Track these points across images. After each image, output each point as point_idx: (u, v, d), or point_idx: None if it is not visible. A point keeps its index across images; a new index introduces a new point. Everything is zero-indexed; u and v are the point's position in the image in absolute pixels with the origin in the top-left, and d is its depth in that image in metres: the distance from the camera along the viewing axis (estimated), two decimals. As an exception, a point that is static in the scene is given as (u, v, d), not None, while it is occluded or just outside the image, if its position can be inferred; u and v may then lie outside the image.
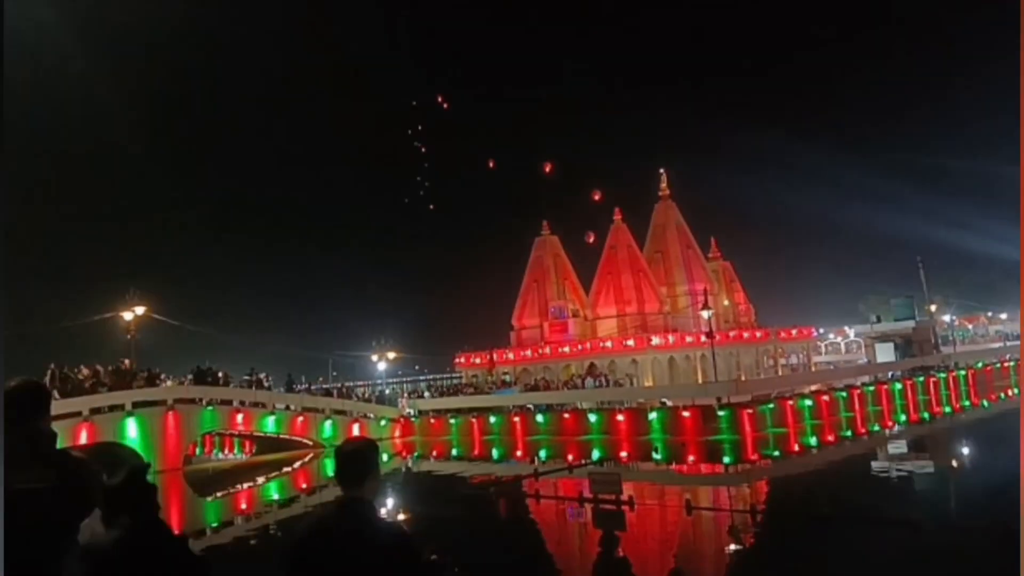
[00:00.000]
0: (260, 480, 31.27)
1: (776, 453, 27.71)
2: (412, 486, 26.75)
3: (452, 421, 39.33)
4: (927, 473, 21.97)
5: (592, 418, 34.43)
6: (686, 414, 31.49)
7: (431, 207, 78.33)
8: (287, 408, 37.53)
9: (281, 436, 37.24)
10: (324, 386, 46.30)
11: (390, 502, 22.62)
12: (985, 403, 39.57)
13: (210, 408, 34.94)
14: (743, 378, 42.14)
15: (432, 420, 40.63)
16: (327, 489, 26.66)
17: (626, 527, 15.77)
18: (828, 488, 19.62)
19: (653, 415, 32.54)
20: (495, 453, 33.13)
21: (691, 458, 28.03)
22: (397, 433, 40.38)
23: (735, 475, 23.98)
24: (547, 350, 47.07)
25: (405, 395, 47.36)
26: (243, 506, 26.11)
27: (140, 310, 36.65)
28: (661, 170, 54.23)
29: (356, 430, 38.41)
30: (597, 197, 55.53)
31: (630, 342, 44.00)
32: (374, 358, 51.00)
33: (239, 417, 35.82)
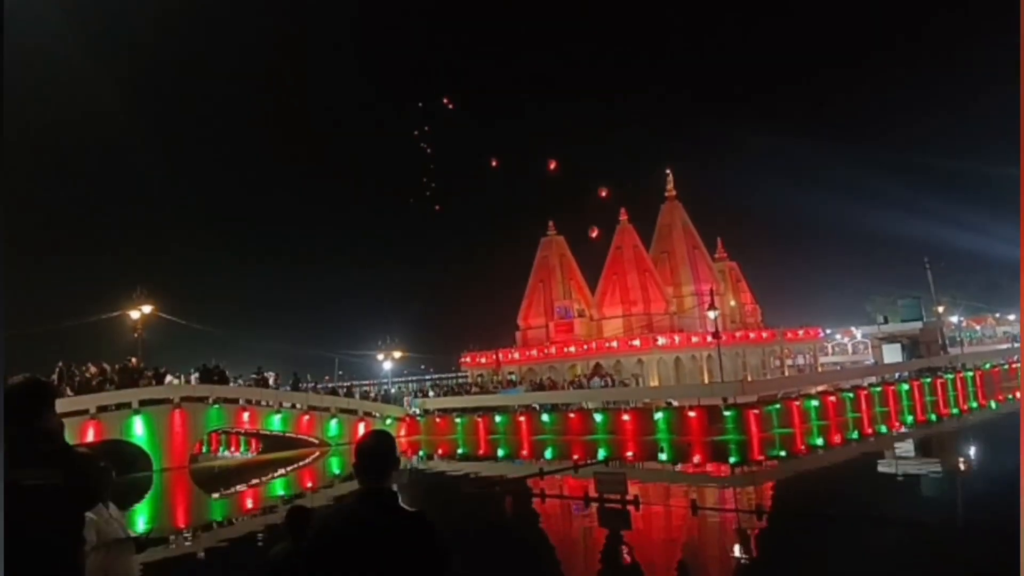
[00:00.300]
0: (266, 478, 31.35)
1: (782, 454, 27.64)
2: (417, 485, 26.75)
3: (457, 420, 39.35)
4: (934, 474, 21.88)
5: (598, 418, 34.39)
6: (692, 414, 31.44)
7: (437, 207, 78.37)
8: (293, 407, 37.62)
9: (287, 435, 37.35)
10: (329, 385, 46.30)
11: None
12: (992, 404, 39.40)
13: (216, 406, 35.05)
14: (749, 378, 42.04)
15: (437, 419, 40.66)
16: (332, 487, 26.75)
17: (631, 527, 15.75)
18: (834, 489, 19.56)
19: (659, 415, 32.50)
20: (500, 452, 33.14)
21: (697, 458, 27.96)
22: (402, 432, 40.40)
23: (741, 476, 23.93)
24: (553, 350, 47.07)
25: (410, 394, 47.38)
26: (249, 504, 26.17)
27: (147, 309, 36.82)
28: (667, 170, 54.23)
29: (362, 429, 38.50)
30: (603, 195, 55.55)
31: (636, 342, 43.96)
32: (380, 357, 51.07)
33: (245, 415, 35.93)
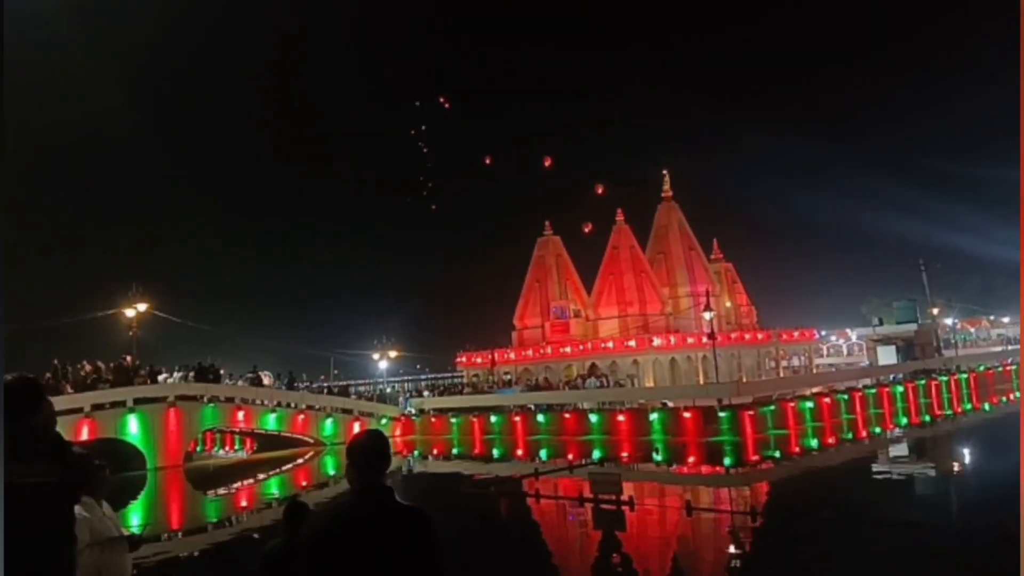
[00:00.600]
0: (261, 477, 31.29)
1: (777, 455, 27.67)
2: (412, 485, 26.74)
3: (453, 420, 39.34)
4: (928, 475, 21.94)
5: (593, 418, 34.42)
6: (687, 415, 31.47)
7: (434, 207, 78.39)
8: (288, 406, 37.57)
9: (282, 434, 37.29)
10: (325, 385, 46.29)
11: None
12: (987, 406, 39.52)
13: (211, 405, 34.98)
14: (744, 379, 42.12)
15: (433, 419, 40.65)
16: (328, 487, 26.72)
17: (626, 527, 15.76)
18: (829, 490, 19.59)
19: (654, 416, 32.53)
20: (496, 452, 33.14)
21: (692, 459, 28.01)
22: (398, 432, 40.37)
23: (736, 476, 23.96)
24: (548, 350, 47.09)
25: (405, 394, 47.36)
26: (244, 503, 26.12)
27: (142, 307, 36.73)
28: (664, 171, 54.29)
29: (357, 429, 38.47)
30: (600, 191, 55.68)
31: (632, 343, 44.00)
32: (376, 356, 51.04)
33: (240, 414, 35.87)
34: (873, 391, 37.60)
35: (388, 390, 50.81)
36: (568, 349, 46.12)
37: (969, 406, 40.09)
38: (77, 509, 3.50)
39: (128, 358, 35.50)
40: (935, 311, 54.73)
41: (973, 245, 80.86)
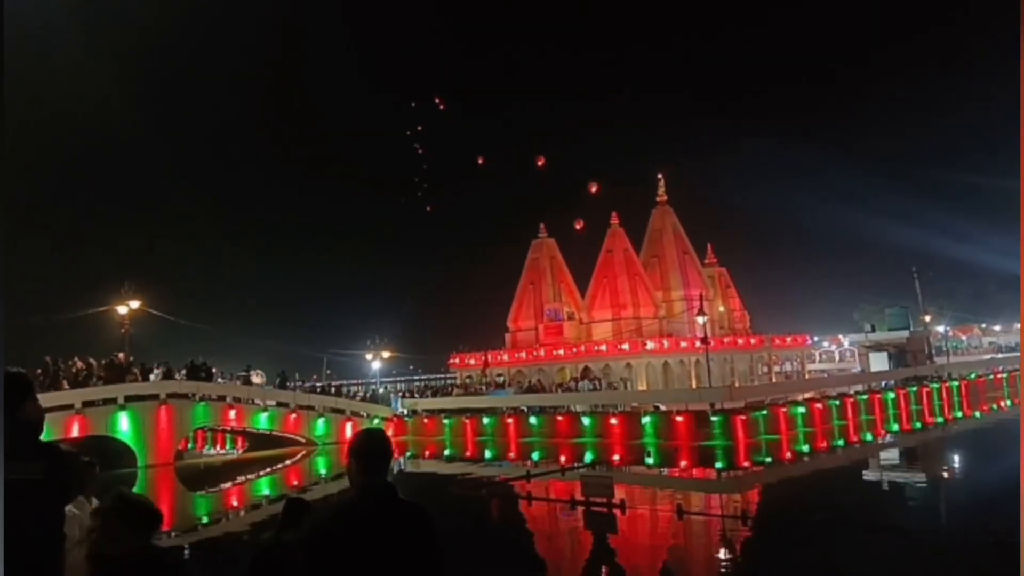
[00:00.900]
0: (252, 476, 31.21)
1: (768, 460, 27.74)
2: (403, 486, 26.64)
3: (445, 421, 39.29)
4: (918, 482, 22.02)
5: (585, 421, 34.41)
6: (679, 419, 31.50)
7: (428, 208, 78.35)
8: (280, 405, 37.47)
9: (274, 433, 37.19)
10: (318, 385, 46.16)
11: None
12: (977, 414, 39.67)
13: (203, 403, 34.86)
14: (737, 384, 42.16)
15: (425, 420, 40.58)
16: (319, 486, 26.66)
17: (617, 530, 15.77)
18: (819, 495, 19.65)
19: (646, 419, 32.54)
20: (488, 454, 33.11)
21: (683, 463, 28.04)
22: (390, 432, 40.21)
23: (727, 481, 24.01)
24: (542, 352, 47.09)
25: (398, 394, 47.29)
26: (234, 501, 26.04)
27: (135, 304, 36.59)
28: (659, 175, 54.38)
29: (349, 429, 38.40)
30: (593, 190, 55.80)
31: (625, 346, 44.03)
32: (368, 357, 50.97)
33: (232, 413, 35.76)
34: (865, 397, 37.70)
35: (381, 390, 50.72)
36: (561, 351, 46.13)
37: (960, 413, 40.25)
38: (67, 507, 3.49)
39: (121, 355, 35.36)
40: (927, 318, 54.99)
41: (966, 253, 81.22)
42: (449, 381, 53.95)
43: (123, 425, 31.94)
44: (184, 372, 35.88)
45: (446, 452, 35.28)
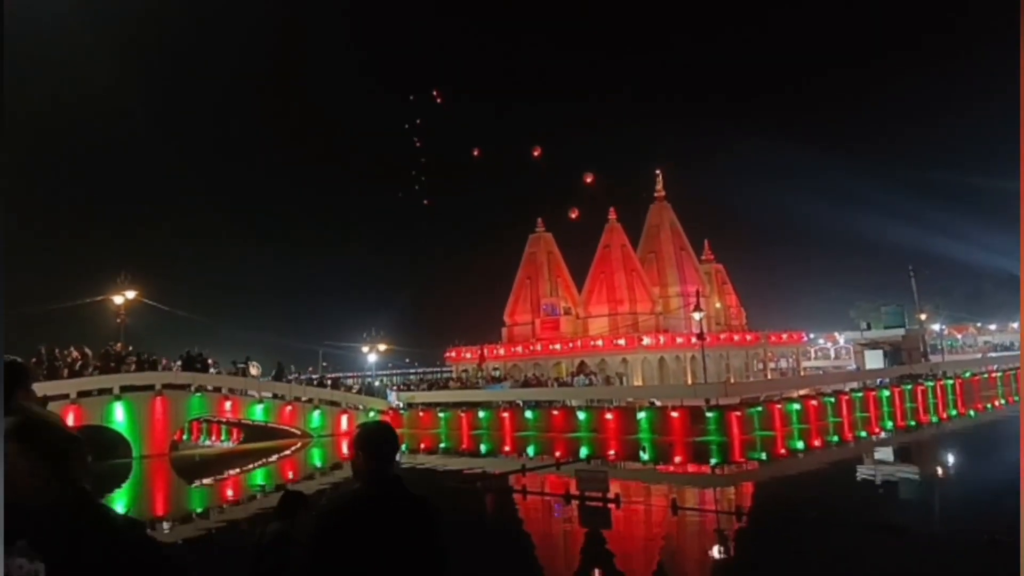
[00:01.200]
0: (247, 467, 31.21)
1: (763, 456, 27.81)
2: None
3: (441, 415, 39.34)
4: (912, 480, 22.10)
5: (581, 416, 34.48)
6: (675, 414, 31.56)
7: (426, 201, 78.25)
8: (276, 397, 37.46)
9: (269, 424, 37.19)
10: (314, 377, 46.11)
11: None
12: (972, 413, 39.81)
13: (198, 394, 34.83)
14: (732, 380, 42.25)
15: (421, 413, 40.63)
16: (314, 479, 26.67)
17: (611, 525, 15.80)
18: (813, 492, 19.69)
19: (642, 415, 32.60)
20: (483, 448, 33.16)
21: (678, 458, 28.11)
22: (385, 425, 40.25)
23: (721, 477, 24.06)
24: (538, 347, 47.15)
25: (393, 387, 47.28)
26: (229, 493, 26.04)
27: (131, 294, 36.51)
28: (657, 171, 54.37)
29: (345, 421, 38.43)
30: (589, 180, 55.80)
31: (621, 341, 44.09)
32: (364, 350, 50.93)
33: (227, 404, 35.72)
34: (859, 395, 37.81)
35: (377, 383, 50.69)
36: (558, 346, 46.18)
37: (955, 412, 40.39)
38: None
39: (119, 345, 35.30)
40: (923, 316, 55.08)
41: (962, 252, 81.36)
42: (445, 375, 53.97)
43: (118, 415, 31.92)
44: (179, 363, 35.86)
45: (441, 445, 35.33)
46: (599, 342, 44.98)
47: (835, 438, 31.60)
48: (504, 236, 60.99)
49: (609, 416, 33.52)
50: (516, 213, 60.61)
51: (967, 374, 47.54)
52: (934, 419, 38.08)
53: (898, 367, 45.96)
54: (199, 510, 22.13)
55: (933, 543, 13.11)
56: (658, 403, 33.86)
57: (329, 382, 43.18)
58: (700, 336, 36.00)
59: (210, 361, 37.06)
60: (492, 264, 64.04)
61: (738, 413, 30.86)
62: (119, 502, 21.75)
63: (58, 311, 36.86)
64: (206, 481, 28.43)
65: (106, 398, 31.72)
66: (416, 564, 3.04)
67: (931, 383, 42.20)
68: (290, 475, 29.78)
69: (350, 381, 50.03)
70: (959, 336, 73.23)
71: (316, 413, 38.10)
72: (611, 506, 16.75)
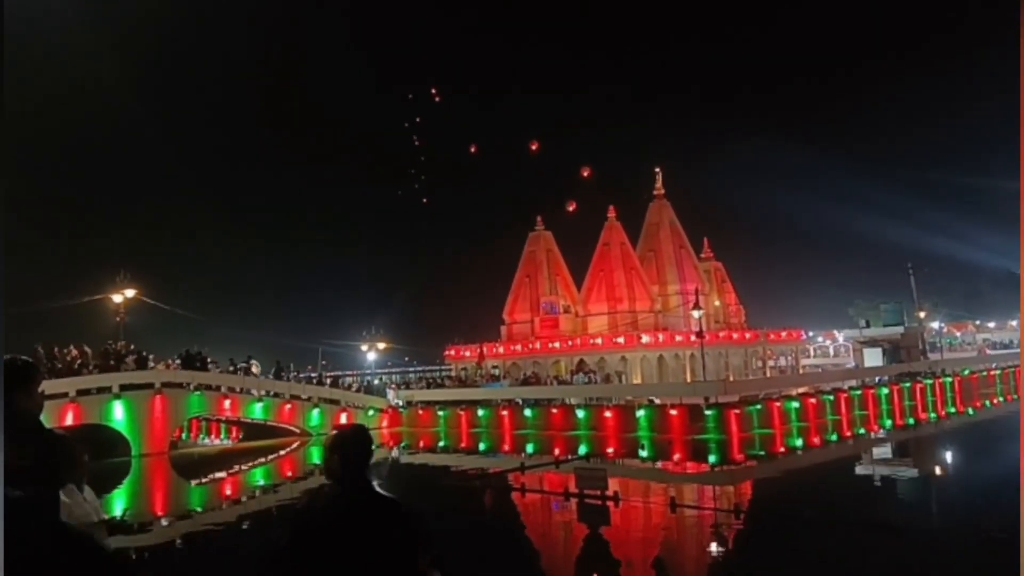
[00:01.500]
0: (247, 466, 31.21)
1: (762, 454, 27.83)
2: (398, 477, 26.76)
3: (440, 413, 39.35)
4: (910, 478, 22.11)
5: (580, 414, 34.49)
6: (674, 412, 31.57)
7: (425, 200, 78.21)
8: (275, 395, 37.46)
9: (268, 423, 37.19)
10: (313, 375, 46.12)
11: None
12: (970, 411, 39.83)
13: (198, 393, 34.83)
14: (731, 378, 42.29)
15: (420, 411, 40.64)
16: (313, 476, 26.66)
17: (611, 522, 15.82)
18: (812, 490, 19.72)
19: (641, 413, 32.62)
20: (482, 446, 33.18)
21: (677, 456, 28.12)
22: (384, 423, 40.35)
23: (720, 475, 24.08)
24: (537, 345, 47.15)
25: (393, 385, 47.28)
26: (228, 491, 26.05)
27: (130, 293, 36.50)
28: (656, 169, 54.36)
29: (344, 419, 38.41)
30: (586, 174, 55.84)
31: (620, 339, 44.11)
32: (364, 348, 50.93)
33: (227, 403, 35.72)
34: (858, 392, 37.83)
35: (376, 382, 50.70)
36: (557, 345, 46.19)
37: (953, 409, 40.42)
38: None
39: (120, 344, 35.28)
40: (922, 315, 55.08)
41: (961, 251, 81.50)
42: (444, 373, 53.99)
43: (118, 414, 31.90)
44: (178, 361, 35.86)
45: (441, 443, 35.34)
46: (598, 340, 44.99)
47: (834, 436, 31.62)
48: (503, 234, 61.06)
49: (608, 414, 33.53)
50: (515, 211, 60.66)
51: (966, 372, 47.57)
52: (933, 417, 38.11)
53: (897, 365, 45.99)
54: (199, 508, 22.14)
55: (932, 541, 13.13)
56: (657, 401, 33.88)
57: (328, 380, 43.20)
58: (699, 334, 36.01)
59: (209, 360, 37.06)
60: (491, 262, 64.09)
61: (737, 411, 30.88)
62: (119, 501, 21.76)
63: (57, 309, 36.87)
64: (206, 480, 28.41)
65: (105, 397, 31.69)
66: (388, 566, 3.06)
67: (930, 381, 42.22)
68: (289, 473, 29.80)
69: (349, 379, 50.08)
70: (958, 334, 73.32)
71: (315, 411, 38.09)
72: (610, 504, 16.76)
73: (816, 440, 30.40)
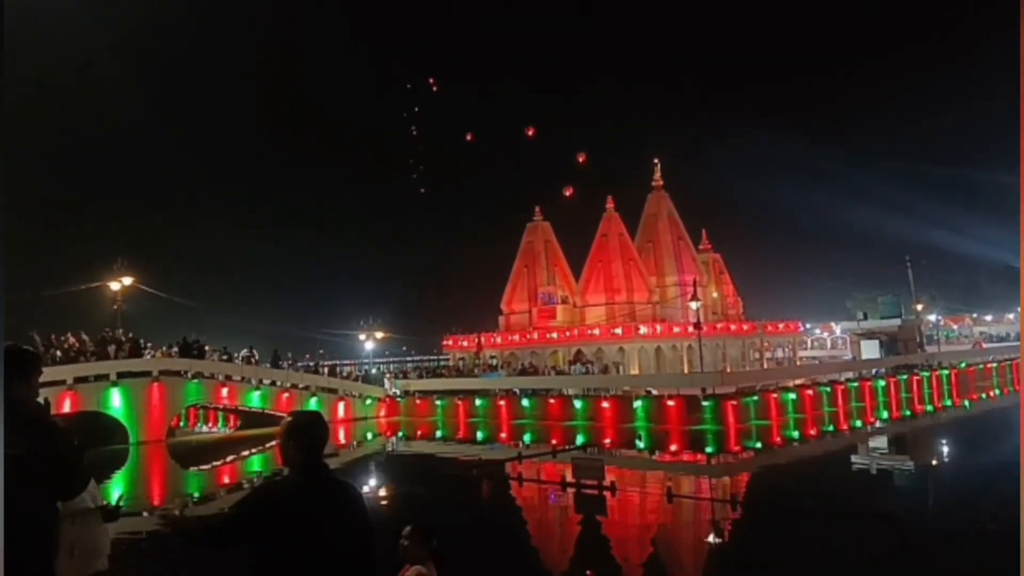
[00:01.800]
0: (244, 453, 31.23)
1: (758, 445, 27.90)
2: (395, 466, 26.83)
3: (438, 403, 39.41)
4: (906, 469, 22.19)
5: (577, 404, 34.56)
6: (671, 403, 31.65)
7: (423, 190, 78.06)
8: (273, 384, 37.48)
9: (266, 411, 37.19)
10: (310, 364, 46.14)
11: (373, 481, 22.71)
12: (967, 403, 39.94)
13: (195, 381, 34.84)
14: (728, 370, 42.36)
15: (418, 401, 40.70)
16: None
17: (607, 512, 15.87)
18: (808, 481, 19.79)
19: (638, 403, 32.69)
20: (480, 436, 33.23)
21: (674, 447, 28.19)
22: (382, 413, 40.42)
23: (717, 465, 24.16)
24: (535, 335, 47.19)
25: (391, 375, 47.32)
26: (225, 479, 26.09)
27: (128, 281, 36.43)
28: (655, 160, 54.24)
29: (342, 408, 38.52)
30: (581, 160, 55.81)
31: (618, 330, 44.13)
32: (362, 337, 50.95)
33: (224, 391, 35.74)
34: (855, 385, 37.93)
35: (374, 371, 50.73)
36: (555, 335, 46.22)
37: (949, 402, 40.53)
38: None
39: (119, 332, 35.24)
40: (919, 307, 55.17)
41: (959, 244, 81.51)
42: (442, 363, 54.03)
43: (115, 401, 31.92)
44: (176, 349, 35.83)
45: (438, 433, 35.40)
46: (596, 331, 45.03)
47: (830, 427, 31.69)
48: (502, 225, 61.02)
49: (606, 404, 33.60)
50: (514, 202, 60.61)
51: (963, 364, 47.68)
52: (929, 409, 38.20)
53: (894, 357, 46.09)
54: (197, 495, 22.17)
55: (928, 533, 13.19)
56: (654, 392, 33.96)
57: (326, 369, 43.22)
58: (697, 325, 36.04)
59: (207, 348, 37.04)
60: (490, 252, 64.12)
61: (734, 402, 30.96)
62: (116, 488, 21.79)
63: (55, 297, 36.80)
64: (203, 467, 28.43)
65: (103, 384, 31.69)
66: (346, 548, 3.15)
67: (927, 373, 42.33)
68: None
69: (347, 369, 50.10)
70: (955, 327, 73.44)
71: (313, 400, 38.10)
72: (607, 494, 16.82)
73: (813, 431, 30.48)
